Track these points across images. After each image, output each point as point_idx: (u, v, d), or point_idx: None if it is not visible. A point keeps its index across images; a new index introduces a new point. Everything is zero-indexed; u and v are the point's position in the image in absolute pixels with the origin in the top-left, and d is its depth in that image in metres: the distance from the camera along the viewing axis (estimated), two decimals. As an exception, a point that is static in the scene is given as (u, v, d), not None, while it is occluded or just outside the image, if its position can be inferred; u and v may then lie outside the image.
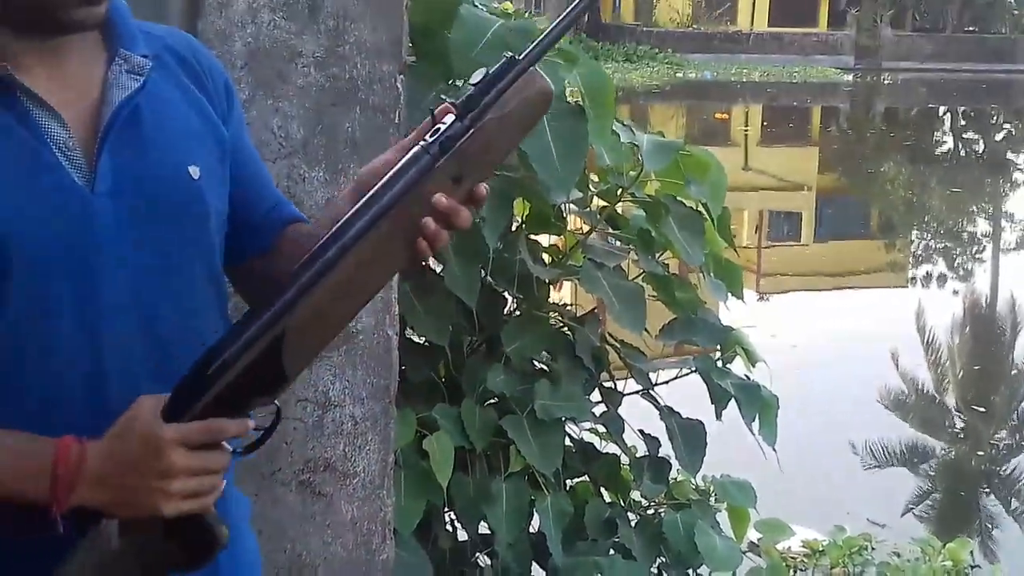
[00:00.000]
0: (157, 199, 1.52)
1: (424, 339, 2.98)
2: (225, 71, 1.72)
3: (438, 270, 2.87)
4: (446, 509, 3.04)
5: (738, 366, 3.43)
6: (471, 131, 1.45)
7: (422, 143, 1.45)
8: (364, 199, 1.45)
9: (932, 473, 7.16)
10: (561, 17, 1.49)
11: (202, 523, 1.47)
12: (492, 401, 3.04)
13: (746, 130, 24.72)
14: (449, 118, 1.45)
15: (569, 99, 2.96)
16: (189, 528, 1.46)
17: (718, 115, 25.88)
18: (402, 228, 1.45)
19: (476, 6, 2.98)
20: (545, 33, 1.47)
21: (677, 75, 33.27)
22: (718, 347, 3.34)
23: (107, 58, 1.53)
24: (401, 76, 2.42)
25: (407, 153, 1.47)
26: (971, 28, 41.72)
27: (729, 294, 3.46)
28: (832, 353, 8.58)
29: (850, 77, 35.51)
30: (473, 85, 1.45)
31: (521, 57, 1.46)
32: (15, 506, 1.41)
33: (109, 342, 1.47)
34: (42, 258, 1.42)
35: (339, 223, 1.45)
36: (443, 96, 2.86)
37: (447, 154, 1.45)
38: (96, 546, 1.42)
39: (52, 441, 1.40)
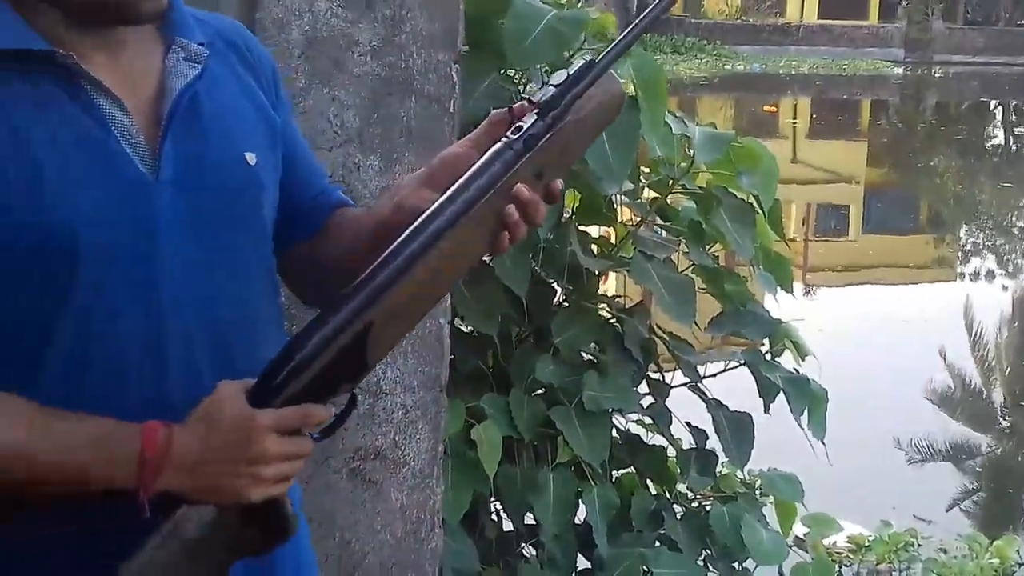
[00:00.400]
0: (217, 186, 1.53)
1: (474, 329, 2.98)
2: (273, 58, 1.74)
3: (488, 260, 2.87)
4: (493, 499, 3.04)
5: (787, 359, 3.41)
6: (552, 130, 1.49)
7: (505, 139, 1.48)
8: (450, 191, 1.47)
9: (979, 470, 7.12)
10: (636, 22, 1.52)
11: (280, 509, 1.49)
12: (540, 392, 3.03)
13: (795, 123, 24.61)
14: (531, 117, 1.49)
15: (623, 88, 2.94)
16: (268, 514, 1.48)
17: (767, 108, 25.75)
18: (487, 220, 1.48)
19: (529, -6, 2.97)
20: (621, 37, 1.51)
21: (725, 67, 33.13)
22: (767, 340, 3.32)
23: (164, 46, 1.54)
24: (456, 66, 2.42)
25: (483, 149, 1.51)
26: (1023, 23, 41.21)
27: (779, 287, 3.43)
28: (879, 347, 8.53)
29: (901, 70, 35.22)
30: (554, 86, 1.50)
31: (599, 60, 1.50)
32: (100, 493, 1.41)
33: (171, 330, 1.48)
34: (108, 247, 1.42)
35: (426, 213, 1.47)
36: (501, 85, 2.86)
37: (531, 151, 1.49)
38: (176, 532, 1.43)
39: (137, 426, 1.41)
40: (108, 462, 1.40)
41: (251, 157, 1.57)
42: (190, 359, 1.50)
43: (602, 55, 1.51)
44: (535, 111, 1.49)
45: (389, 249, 1.46)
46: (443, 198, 1.47)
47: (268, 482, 1.43)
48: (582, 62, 1.51)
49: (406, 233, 1.46)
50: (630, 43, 1.52)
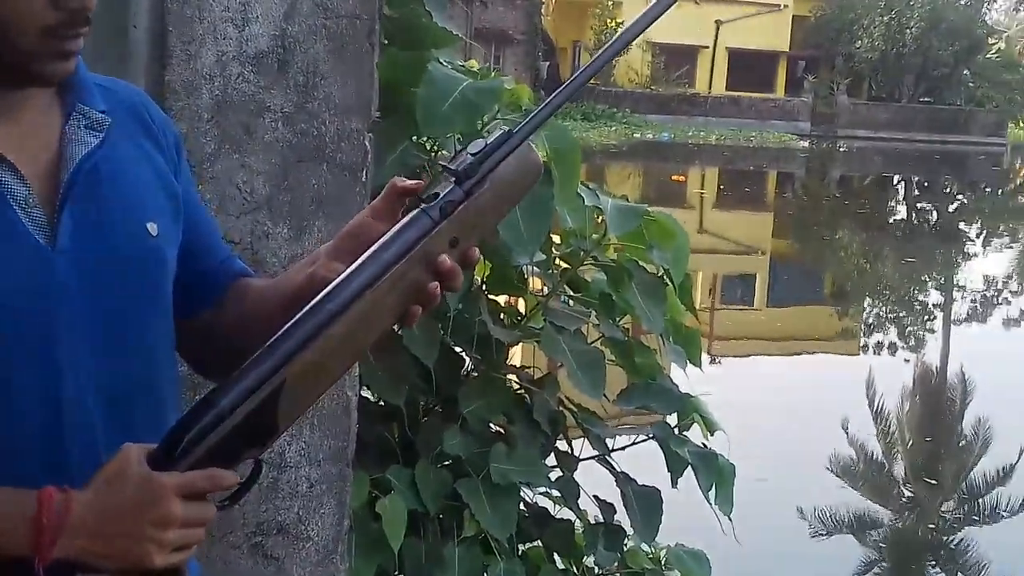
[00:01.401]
0: (117, 256, 1.50)
1: (380, 398, 2.95)
2: (175, 125, 1.72)
3: (397, 329, 2.85)
4: (397, 573, 3.00)
5: (696, 433, 3.42)
6: (469, 197, 1.50)
7: (422, 206, 1.49)
8: (367, 254, 1.47)
9: (881, 543, 7.17)
10: (557, 92, 1.53)
11: None
12: (447, 463, 3.01)
13: (702, 193, 24.95)
14: (447, 184, 1.50)
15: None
16: None
17: (675, 177, 26.10)
18: (401, 286, 1.48)
19: (444, 63, 2.98)
20: (540, 107, 1.52)
21: (635, 135, 33.61)
22: (676, 414, 3.33)
23: (63, 112, 1.51)
24: (369, 134, 2.41)
25: (384, 217, 1.53)
26: (926, 99, 42.40)
27: (688, 361, 3.45)
28: (783, 419, 8.60)
29: (806, 143, 36.00)
30: (472, 154, 1.50)
31: (516, 131, 1.51)
32: None
33: (67, 397, 1.45)
34: (3, 314, 1.40)
35: (342, 276, 1.46)
36: (413, 152, 2.86)
37: (447, 218, 1.49)
38: None
39: (33, 492, 1.36)
40: (2, 529, 1.35)
41: (153, 227, 1.55)
42: (88, 424, 1.46)
43: (520, 125, 1.51)
44: (452, 179, 1.50)
45: (304, 310, 1.45)
46: (360, 261, 1.47)
47: (168, 547, 1.38)
48: (500, 131, 1.51)
49: (321, 295, 1.45)
50: (548, 115, 1.52)
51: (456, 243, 1.51)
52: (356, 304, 1.46)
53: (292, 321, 1.46)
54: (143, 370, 1.55)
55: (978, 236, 21.93)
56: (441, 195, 1.49)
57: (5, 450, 1.42)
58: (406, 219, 1.50)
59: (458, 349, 3.11)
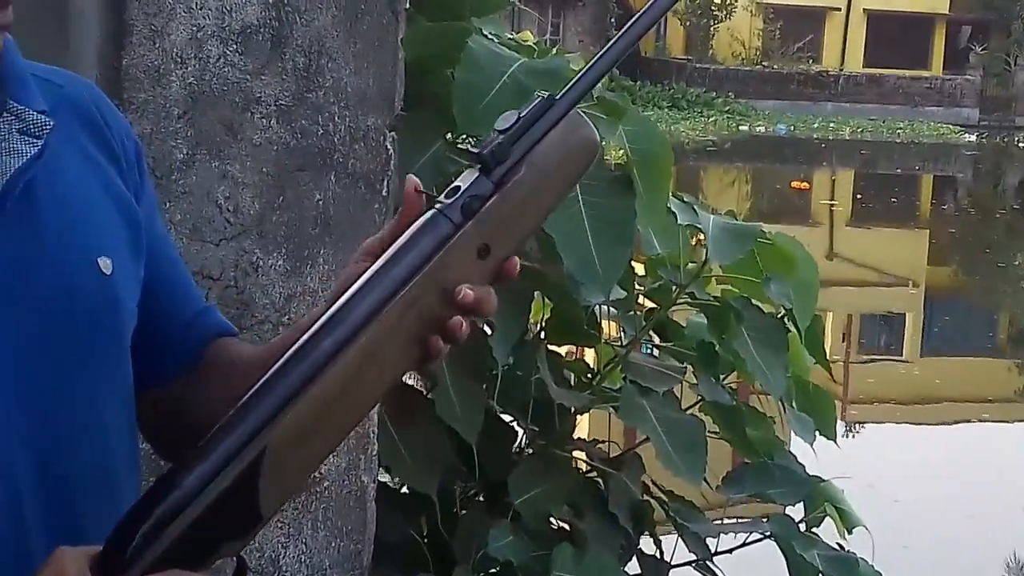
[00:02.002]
0: (58, 301, 1.51)
1: (405, 485, 2.96)
2: (134, 132, 1.71)
3: (427, 392, 2.86)
4: None
5: (828, 529, 3.40)
6: (501, 189, 1.47)
7: (438, 205, 1.44)
8: (368, 274, 1.43)
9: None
10: (610, 44, 1.50)
11: None
12: (493, 571, 3.02)
13: (832, 205, 24.85)
14: (471, 173, 1.45)
15: (611, 164, 2.96)
16: None
17: (795, 184, 26.00)
18: (414, 318, 1.45)
19: (488, 37, 3.00)
20: (591, 64, 1.48)
21: (740, 128, 33.56)
22: (801, 504, 3.32)
23: None
24: (392, 134, 2.43)
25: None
26: None
27: (817, 432, 3.44)
28: (945, 507, 8.53)
29: (973, 137, 35.74)
30: (501, 131, 1.46)
31: (559, 97, 1.47)
32: None
33: None
34: None
35: (337, 304, 1.43)
36: (448, 157, 2.87)
37: (471, 218, 1.45)
38: None
39: None
40: None
41: (106, 263, 1.55)
42: (17, 518, 1.47)
43: (564, 89, 1.47)
44: (477, 166, 1.45)
45: (288, 352, 1.42)
46: (359, 283, 1.43)
47: None
48: (537, 99, 1.47)
49: (311, 331, 1.42)
50: (602, 73, 1.48)
51: (487, 252, 1.47)
52: (356, 342, 1.43)
53: (274, 368, 1.44)
54: (92, 447, 1.55)
55: None
56: (463, 188, 1.45)
57: None
58: (419, 222, 1.45)
59: (508, 418, 3.12)
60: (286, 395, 1.42)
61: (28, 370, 1.48)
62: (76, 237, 1.54)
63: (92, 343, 1.55)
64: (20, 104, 1.52)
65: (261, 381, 1.42)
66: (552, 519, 3.14)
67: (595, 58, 1.48)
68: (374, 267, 1.44)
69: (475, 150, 1.45)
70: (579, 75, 1.47)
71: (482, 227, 1.45)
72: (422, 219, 1.45)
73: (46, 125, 1.53)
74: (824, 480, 3.35)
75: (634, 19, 1.49)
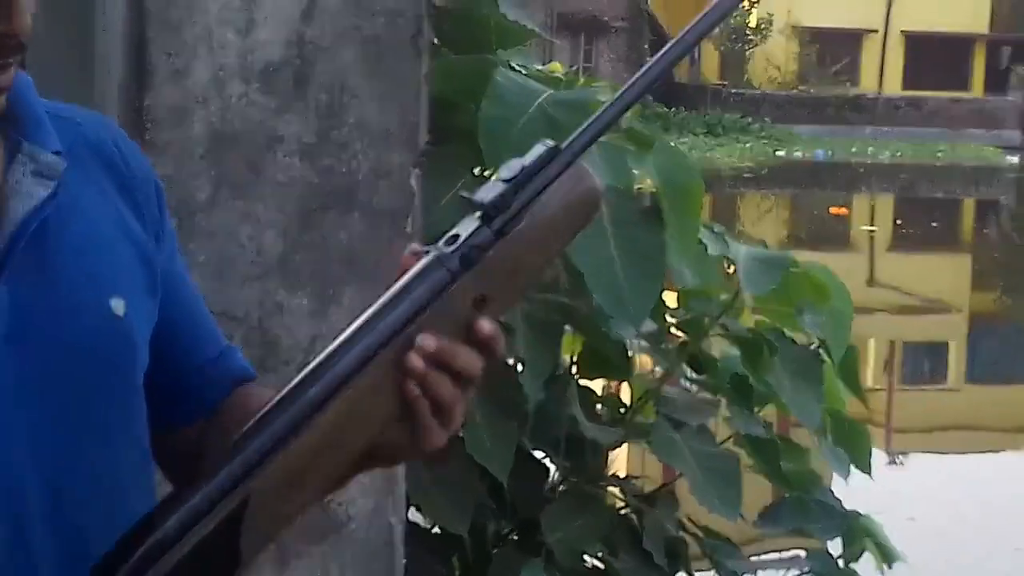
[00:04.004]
0: (71, 342, 1.52)
1: (435, 525, 2.96)
2: (155, 172, 1.70)
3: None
4: None
5: (867, 565, 3.40)
6: (500, 240, 1.45)
7: (435, 252, 1.43)
8: (361, 319, 1.42)
9: None
10: (621, 91, 1.47)
11: None
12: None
13: (872, 231, 24.76)
14: (471, 221, 1.44)
15: (640, 196, 2.97)
16: None
17: (834, 210, 25.92)
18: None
19: (515, 69, 3.01)
20: (598, 113, 1.45)
21: (777, 153, 33.47)
22: (839, 539, 3.31)
23: (5, 154, 1.52)
24: (416, 171, 2.44)
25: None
26: None
27: (854, 466, 3.44)
28: (990, 540, 8.48)
29: (1016, 158, 35.57)
30: (504, 180, 1.44)
31: (564, 146, 1.45)
32: None
33: (3, 526, 1.47)
34: None
35: (323, 356, 1.43)
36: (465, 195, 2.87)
37: (469, 268, 1.45)
38: None
39: None
40: None
41: (119, 305, 1.55)
42: (28, 562, 1.48)
43: (571, 138, 1.45)
44: (477, 214, 1.43)
45: (273, 401, 1.42)
46: (352, 328, 1.43)
47: None
48: (542, 148, 1.45)
49: (300, 376, 1.42)
50: (609, 123, 1.45)
51: (483, 303, 1.46)
52: (345, 389, 1.43)
53: (259, 415, 1.43)
54: (104, 490, 1.55)
55: None
56: (462, 237, 1.43)
57: None
58: (416, 269, 1.44)
59: (540, 455, 3.12)
60: (270, 444, 1.42)
61: (39, 413, 1.49)
62: (89, 279, 1.54)
63: (105, 384, 1.55)
64: (34, 145, 1.52)
65: (246, 428, 1.43)
66: (586, 557, 3.13)
67: (603, 107, 1.48)
68: (367, 314, 1.44)
69: (477, 199, 1.44)
70: (586, 124, 1.46)
71: (480, 278, 1.45)
72: (419, 265, 1.44)
73: (59, 166, 1.52)
74: (863, 514, 3.34)
75: (652, 61, 1.46)
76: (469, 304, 1.45)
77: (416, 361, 1.42)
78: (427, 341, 1.42)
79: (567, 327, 3.02)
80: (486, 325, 1.43)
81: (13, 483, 1.48)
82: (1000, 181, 32.33)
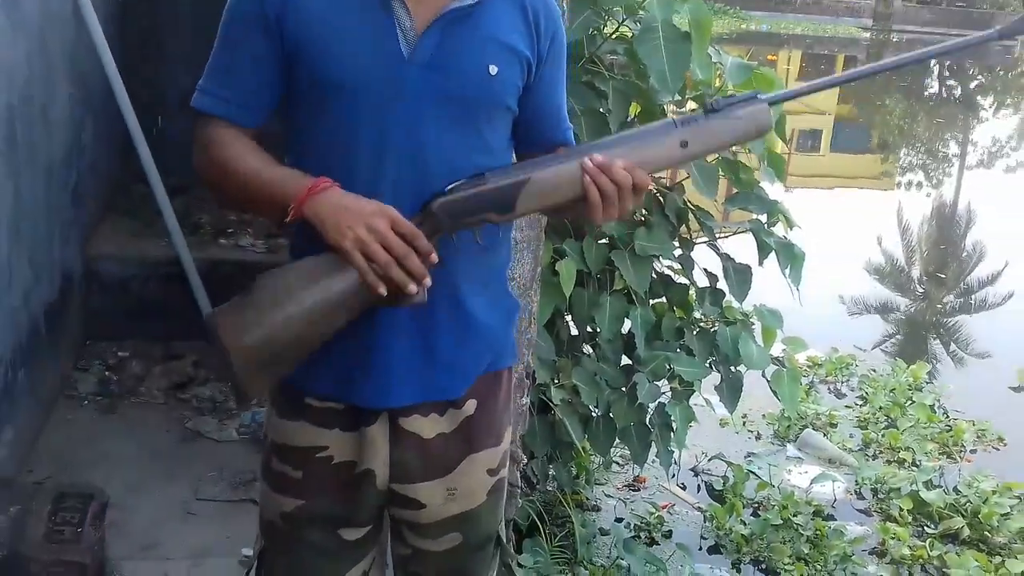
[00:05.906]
0: (460, 77, 1.46)
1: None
2: (560, 25, 1.57)
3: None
4: (567, 312, 3.04)
5: (779, 229, 3.33)
6: (707, 116, 1.45)
7: (673, 118, 1.46)
8: (620, 134, 1.49)
9: (898, 321, 7.07)
10: (819, 82, 1.51)
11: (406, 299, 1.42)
12: (604, 240, 3.00)
13: (787, 68, 23.76)
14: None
15: (678, 25, 2.83)
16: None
17: (770, 56, 24.76)
18: (637, 154, 1.45)
19: None
20: (798, 91, 1.52)
21: (742, 26, 31.91)
22: (766, 214, 3.24)
23: None
24: None
25: None
26: (960, 3, 39.17)
27: (776, 179, 3.34)
28: (836, 234, 8.38)
29: (868, 35, 33.75)
30: (725, 98, 1.48)
31: (765, 96, 1.48)
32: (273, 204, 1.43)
33: (391, 165, 1.45)
34: (363, 92, 1.43)
35: (593, 143, 1.47)
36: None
37: (685, 124, 1.45)
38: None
39: (312, 178, 1.43)
40: (292, 185, 1.41)
41: (494, 69, 1.48)
42: (398, 186, 1.45)
43: (769, 97, 1.47)
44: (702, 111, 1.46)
45: (555, 153, 1.49)
46: (617, 136, 1.48)
47: (360, 247, 1.37)
48: (750, 94, 1.47)
49: (582, 145, 1.47)
50: (798, 94, 1.50)
51: (686, 144, 1.43)
52: (574, 159, 1.43)
53: (541, 158, 1.46)
54: (450, 165, 1.47)
55: (990, 106, 20.52)
56: (690, 116, 1.45)
57: (344, 180, 1.44)
58: (658, 122, 1.47)
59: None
60: (550, 164, 1.44)
61: (445, 114, 1.47)
62: (481, 48, 1.48)
63: (475, 101, 1.48)
64: None
65: (538, 159, 1.48)
66: (636, 214, 3.07)
67: (800, 88, 1.55)
68: (628, 131, 1.49)
69: (710, 105, 1.46)
70: (783, 93, 1.55)
71: (688, 130, 1.44)
72: (661, 121, 1.48)
73: None
74: (779, 202, 3.26)
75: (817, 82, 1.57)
76: (677, 143, 1.43)
77: (588, 163, 1.41)
78: (597, 158, 1.41)
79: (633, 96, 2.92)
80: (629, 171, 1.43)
81: (402, 144, 1.45)
82: (858, 47, 30.71)
